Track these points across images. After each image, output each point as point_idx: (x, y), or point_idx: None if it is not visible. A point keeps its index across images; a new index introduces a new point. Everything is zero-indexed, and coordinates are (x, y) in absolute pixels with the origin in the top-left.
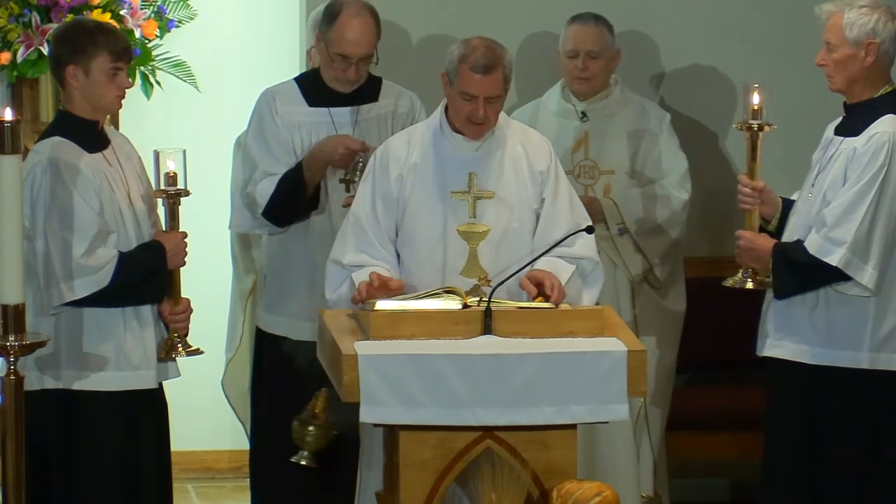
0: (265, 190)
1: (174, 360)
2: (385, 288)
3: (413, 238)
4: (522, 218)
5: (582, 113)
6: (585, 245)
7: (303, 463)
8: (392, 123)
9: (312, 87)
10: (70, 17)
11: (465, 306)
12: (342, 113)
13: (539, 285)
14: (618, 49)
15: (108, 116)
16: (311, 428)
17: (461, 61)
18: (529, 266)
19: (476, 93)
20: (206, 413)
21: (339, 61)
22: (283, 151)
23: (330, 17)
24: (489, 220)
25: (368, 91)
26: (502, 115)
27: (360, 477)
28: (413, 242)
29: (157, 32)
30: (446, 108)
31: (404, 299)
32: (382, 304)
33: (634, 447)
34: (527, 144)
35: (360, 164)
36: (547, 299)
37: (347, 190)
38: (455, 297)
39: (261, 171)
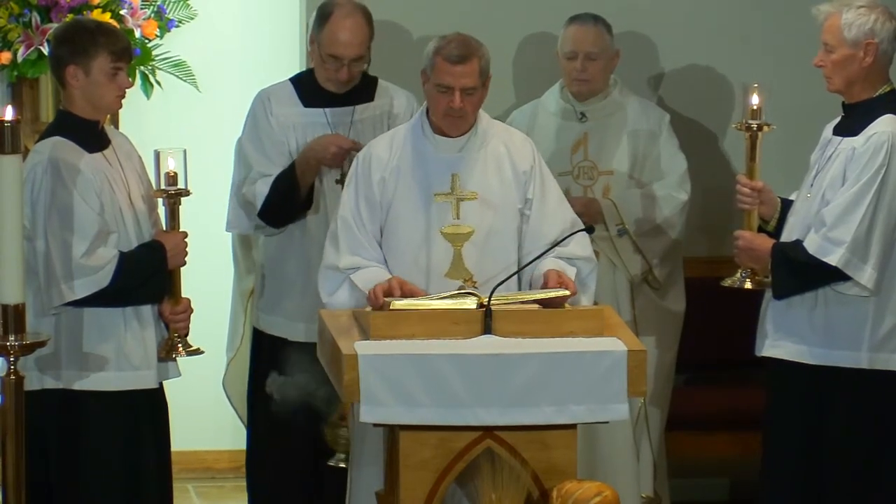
0: (260, 191)
1: (174, 360)
2: (409, 296)
3: (397, 240)
4: (506, 218)
5: (581, 114)
6: (580, 244)
7: (341, 465)
8: (388, 123)
9: (307, 88)
10: (70, 16)
11: (482, 306)
12: (338, 113)
13: (562, 284)
14: (617, 50)
15: (108, 116)
16: (343, 430)
17: (436, 53)
18: (531, 265)
19: (451, 83)
20: (206, 413)
21: (330, 62)
22: (277, 153)
23: (322, 18)
24: (473, 222)
25: (364, 91)
26: (485, 116)
27: (350, 476)
28: (397, 245)
29: (157, 32)
30: (427, 110)
31: (421, 300)
32: (400, 303)
33: (634, 447)
34: (510, 145)
35: None
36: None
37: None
38: (472, 297)
39: (256, 171)
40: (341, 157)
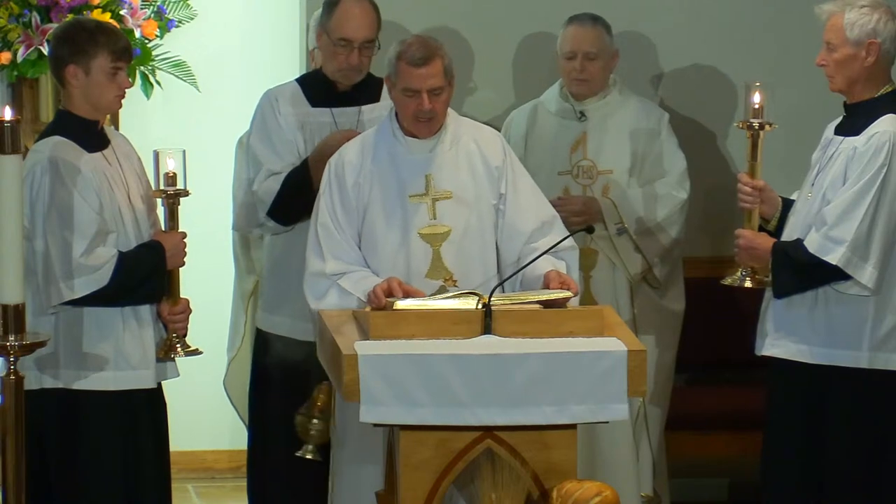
0: (271, 188)
1: (173, 360)
2: (408, 296)
3: (375, 244)
4: (481, 215)
5: (580, 113)
6: (561, 234)
7: (308, 457)
8: None
9: (315, 88)
10: (70, 16)
11: (484, 306)
12: (345, 113)
13: (562, 286)
14: (616, 50)
15: (108, 116)
16: (315, 421)
17: (398, 59)
18: (530, 265)
19: (418, 86)
20: (206, 413)
21: (341, 46)
22: (287, 151)
23: (330, 7)
24: (449, 221)
25: (370, 91)
26: (453, 114)
27: (332, 475)
28: (375, 248)
29: (157, 32)
30: (397, 113)
31: (423, 300)
32: (403, 304)
33: (634, 447)
34: (480, 141)
35: None
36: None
37: None
38: (473, 297)
39: (266, 170)
40: None
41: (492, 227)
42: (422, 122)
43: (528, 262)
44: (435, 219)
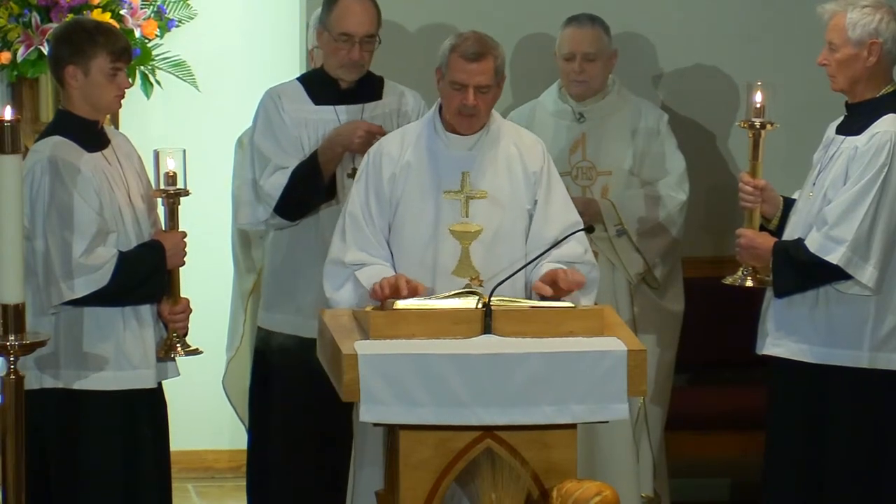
0: (278, 182)
1: (173, 359)
2: (414, 294)
3: (404, 237)
4: (515, 218)
5: (579, 114)
6: (582, 245)
7: None
8: (398, 121)
9: (317, 86)
10: (70, 16)
11: (484, 305)
12: (348, 111)
13: (553, 283)
14: (614, 50)
15: (108, 116)
16: None
17: (452, 50)
18: (530, 266)
19: (466, 81)
20: (206, 413)
21: (342, 42)
22: (293, 147)
23: (329, 3)
24: (481, 220)
25: (372, 89)
26: (496, 115)
27: (353, 477)
28: (404, 241)
29: (157, 32)
30: (440, 108)
31: (424, 300)
32: (403, 303)
33: (634, 447)
34: (520, 145)
35: None
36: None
37: None
38: (474, 296)
39: (273, 165)
40: (368, 142)
41: (523, 231)
42: (464, 117)
43: (526, 263)
44: (467, 217)
